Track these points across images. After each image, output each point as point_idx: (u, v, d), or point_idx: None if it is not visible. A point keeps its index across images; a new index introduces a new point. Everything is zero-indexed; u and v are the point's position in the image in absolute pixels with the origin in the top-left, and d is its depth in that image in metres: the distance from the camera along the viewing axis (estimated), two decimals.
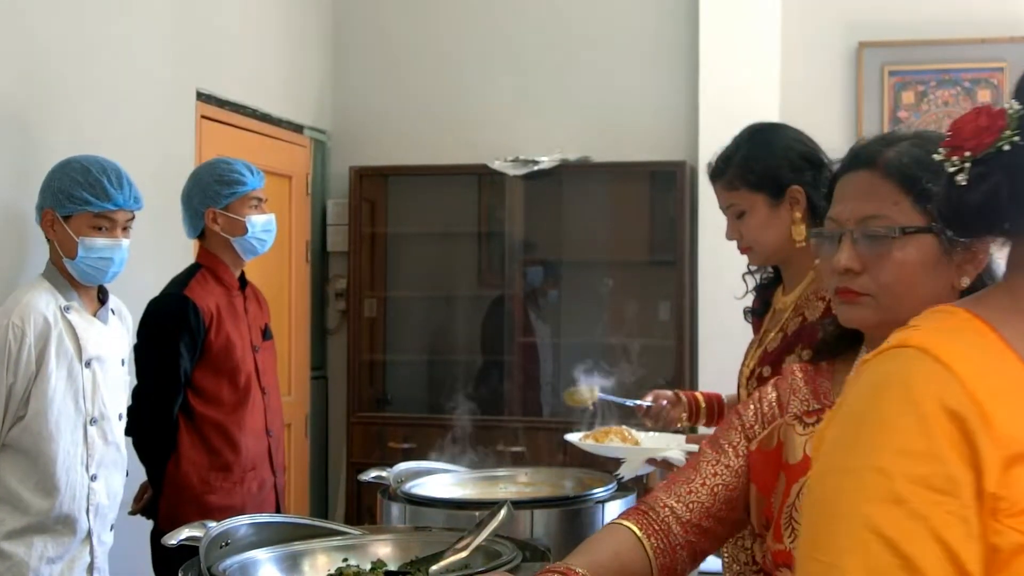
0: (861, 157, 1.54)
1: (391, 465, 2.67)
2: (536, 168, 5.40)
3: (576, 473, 2.83)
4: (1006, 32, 5.27)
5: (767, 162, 2.35)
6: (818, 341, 1.75)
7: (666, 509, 1.61)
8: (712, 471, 1.63)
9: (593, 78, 5.55)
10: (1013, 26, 5.26)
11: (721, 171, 2.42)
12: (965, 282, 1.45)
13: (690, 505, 1.61)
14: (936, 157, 1.08)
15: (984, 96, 5.31)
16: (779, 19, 5.32)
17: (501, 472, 2.84)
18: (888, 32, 5.34)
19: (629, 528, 1.59)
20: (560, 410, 5.56)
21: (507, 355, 5.49)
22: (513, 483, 2.77)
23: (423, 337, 5.93)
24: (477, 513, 2.36)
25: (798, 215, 2.33)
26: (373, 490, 2.72)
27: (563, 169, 5.45)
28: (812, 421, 1.54)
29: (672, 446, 2.63)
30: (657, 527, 1.59)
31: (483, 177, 5.61)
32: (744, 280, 2.59)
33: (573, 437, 2.86)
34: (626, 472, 2.62)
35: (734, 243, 2.44)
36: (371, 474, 2.64)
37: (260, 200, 3.51)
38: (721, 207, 2.46)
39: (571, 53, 5.60)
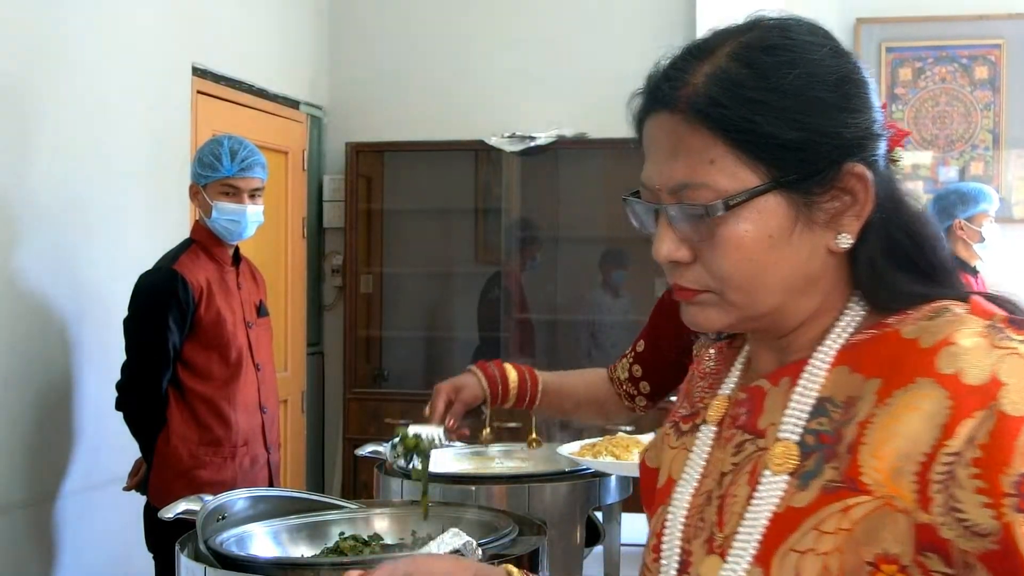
0: (656, 95, 1.03)
1: (388, 440, 2.67)
2: (533, 144, 5.39)
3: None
4: (1003, 9, 5.26)
5: None
6: None
7: None
8: None
9: (590, 54, 5.53)
10: (1010, 3, 5.26)
11: None
12: (846, 242, 0.99)
13: None
14: (770, 61, 0.97)
15: (981, 73, 5.30)
16: None
17: (497, 447, 2.84)
18: (885, 8, 5.32)
19: None
20: None
21: (503, 331, 5.49)
22: (509, 458, 2.77)
23: (420, 313, 5.93)
24: (473, 488, 2.38)
25: None
26: (370, 465, 2.72)
27: (560, 145, 5.44)
28: (687, 428, 1.11)
29: None
30: None
31: (480, 153, 5.60)
32: None
33: (565, 450, 2.61)
34: None
35: None
36: (368, 449, 2.64)
37: (237, 189, 3.43)
38: None
39: (568, 29, 5.58)
